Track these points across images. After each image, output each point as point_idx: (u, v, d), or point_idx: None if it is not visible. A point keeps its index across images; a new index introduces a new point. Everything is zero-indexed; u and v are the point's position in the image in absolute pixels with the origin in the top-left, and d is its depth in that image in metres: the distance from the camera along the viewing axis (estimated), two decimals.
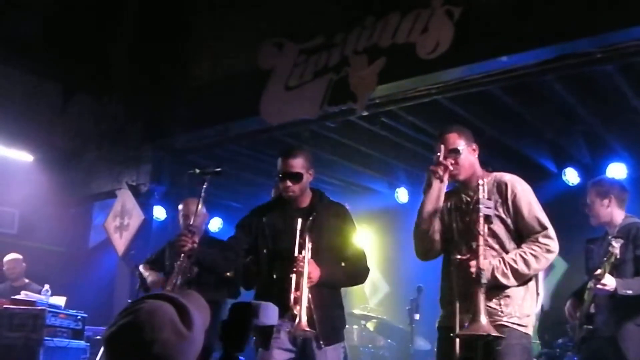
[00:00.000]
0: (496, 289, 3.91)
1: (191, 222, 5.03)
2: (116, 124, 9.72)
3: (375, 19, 6.89)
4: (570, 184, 8.81)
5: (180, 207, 6.48)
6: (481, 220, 3.88)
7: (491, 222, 3.94)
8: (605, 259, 5.06)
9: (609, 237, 5.40)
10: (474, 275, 3.79)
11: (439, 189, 4.09)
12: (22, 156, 9.83)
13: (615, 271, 5.11)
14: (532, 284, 4.06)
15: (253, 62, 7.84)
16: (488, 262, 3.87)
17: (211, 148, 8.98)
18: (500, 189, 4.11)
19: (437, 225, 4.20)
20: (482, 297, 3.75)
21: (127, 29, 9.98)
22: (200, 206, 5.03)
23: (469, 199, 4.15)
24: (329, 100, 7.08)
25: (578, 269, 7.17)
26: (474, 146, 4.27)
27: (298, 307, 4.34)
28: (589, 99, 7.36)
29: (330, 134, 8.39)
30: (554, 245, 3.99)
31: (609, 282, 5.05)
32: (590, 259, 5.70)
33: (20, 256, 8.84)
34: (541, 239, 3.97)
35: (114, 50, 9.97)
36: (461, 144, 4.18)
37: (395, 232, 9.45)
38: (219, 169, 4.86)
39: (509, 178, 4.19)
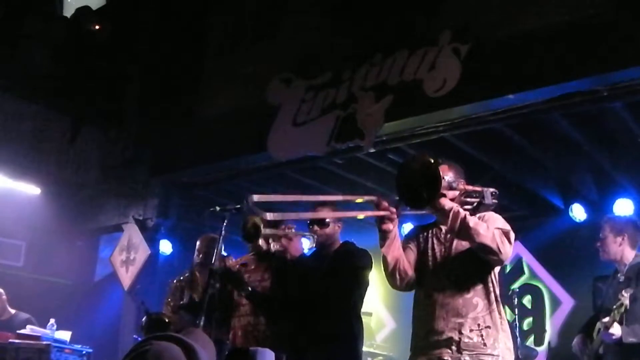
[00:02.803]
0: (474, 319, 3.86)
1: (213, 260, 5.01)
2: (124, 158, 9.76)
3: (383, 56, 6.94)
4: (577, 220, 8.77)
5: (198, 243, 6.36)
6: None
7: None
8: (614, 307, 5.06)
9: (619, 275, 5.39)
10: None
11: (394, 236, 4.02)
12: (29, 189, 9.82)
13: (626, 313, 5.11)
14: (503, 313, 4.01)
15: (261, 97, 7.88)
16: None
17: (218, 183, 9.00)
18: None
19: (410, 256, 4.15)
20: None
21: (137, 64, 10.05)
22: (220, 244, 4.98)
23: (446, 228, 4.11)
24: (336, 137, 7.10)
25: (585, 306, 7.15)
26: (462, 183, 4.22)
27: None
28: (595, 136, 7.36)
29: (337, 169, 8.39)
30: (507, 247, 3.82)
31: (616, 331, 5.08)
32: (599, 298, 5.68)
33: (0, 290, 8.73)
34: (501, 233, 3.85)
35: (123, 85, 10.03)
36: (450, 177, 4.16)
37: None
38: (239, 206, 4.86)
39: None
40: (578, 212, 8.76)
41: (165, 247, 9.86)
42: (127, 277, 9.17)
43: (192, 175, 9.07)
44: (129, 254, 9.20)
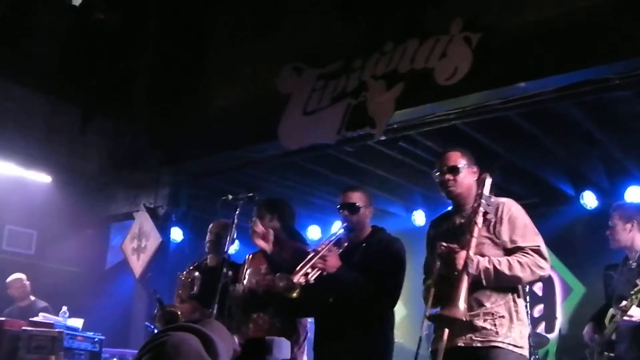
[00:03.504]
0: (489, 310, 3.89)
1: (226, 249, 5.02)
2: (135, 147, 9.78)
3: (394, 45, 6.92)
4: (588, 208, 8.79)
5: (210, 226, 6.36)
6: (480, 215, 3.88)
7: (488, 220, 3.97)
8: (632, 292, 5.04)
9: (630, 262, 5.39)
10: (459, 266, 3.76)
11: None
12: (40, 177, 9.86)
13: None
14: (521, 302, 4.03)
15: (272, 86, 7.89)
16: (476, 256, 3.85)
17: (228, 172, 9.01)
18: (497, 209, 4.09)
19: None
20: (465, 285, 3.69)
21: (147, 53, 10.06)
22: (231, 232, 4.98)
23: (462, 220, 4.15)
24: (347, 126, 7.10)
25: (595, 293, 7.14)
26: (475, 169, 4.29)
27: None
28: (606, 124, 7.36)
29: (347, 158, 8.40)
30: (545, 263, 3.93)
31: (636, 313, 5.05)
32: (609, 285, 5.67)
33: (19, 276, 8.82)
34: (532, 253, 3.92)
35: (133, 75, 10.04)
36: (461, 163, 4.23)
37: (412, 255, 9.38)
38: (251, 195, 4.87)
39: (506, 199, 4.20)
40: (589, 200, 8.77)
41: (176, 234, 9.88)
42: (138, 264, 9.20)
43: (202, 164, 9.09)
44: (140, 241, 9.23)
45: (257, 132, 8.07)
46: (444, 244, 3.94)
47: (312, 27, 7.85)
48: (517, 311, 3.97)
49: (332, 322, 4.91)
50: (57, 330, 7.32)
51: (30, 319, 7.58)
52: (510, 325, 3.90)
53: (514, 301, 3.98)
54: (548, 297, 9.26)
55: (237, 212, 4.89)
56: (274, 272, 4.98)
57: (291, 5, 8.25)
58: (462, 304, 3.63)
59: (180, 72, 9.38)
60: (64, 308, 7.90)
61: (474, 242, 3.83)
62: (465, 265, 3.74)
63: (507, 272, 3.82)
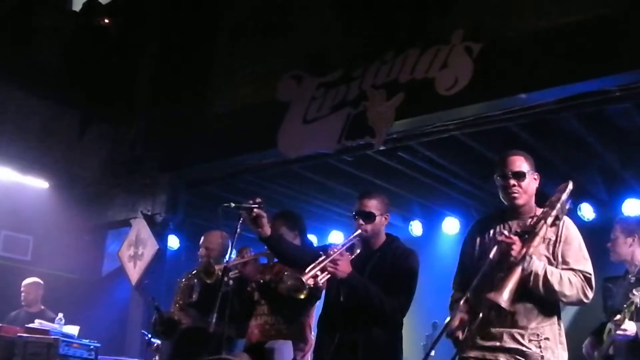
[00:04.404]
0: (534, 330, 3.77)
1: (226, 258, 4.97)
2: (133, 153, 9.76)
3: (394, 54, 6.93)
4: (586, 220, 8.77)
5: (202, 239, 6.33)
6: (552, 218, 3.77)
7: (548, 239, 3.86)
8: (625, 305, 5.04)
9: (630, 276, 5.38)
10: (516, 256, 3.63)
11: None
12: (37, 183, 9.84)
13: (637, 311, 5.09)
14: (562, 326, 3.92)
15: (271, 94, 7.88)
16: (534, 256, 3.70)
17: (227, 179, 9.00)
18: (557, 227, 3.91)
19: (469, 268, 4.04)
20: (516, 278, 3.56)
21: (147, 59, 10.05)
22: (233, 241, 4.90)
23: (516, 230, 3.93)
24: (346, 135, 7.10)
25: (593, 307, 7.10)
26: (536, 175, 4.14)
27: None
28: (606, 136, 7.36)
29: (346, 167, 8.39)
30: (590, 293, 3.81)
31: (630, 327, 5.04)
32: (609, 298, 5.65)
33: (38, 281, 8.82)
34: (583, 278, 3.79)
35: (133, 80, 10.03)
36: (526, 167, 4.06)
37: None
38: (255, 204, 4.76)
39: (566, 218, 4.00)
40: (587, 212, 8.75)
41: (173, 242, 9.87)
42: (134, 272, 9.17)
43: (200, 171, 9.08)
44: (137, 249, 9.20)
45: (256, 140, 8.06)
46: (506, 232, 3.82)
47: (313, 35, 7.85)
48: (560, 334, 3.87)
49: (339, 318, 4.77)
50: (52, 337, 7.31)
51: (26, 325, 7.57)
52: (555, 349, 3.81)
53: (558, 325, 3.88)
54: None
55: (240, 222, 4.79)
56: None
57: (292, 13, 8.25)
58: (507, 294, 3.50)
59: (180, 79, 9.37)
60: (60, 315, 7.87)
61: (537, 240, 3.71)
62: (523, 258, 3.63)
63: (556, 285, 3.70)
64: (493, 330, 3.82)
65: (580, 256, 3.89)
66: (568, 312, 8.96)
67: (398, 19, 7.09)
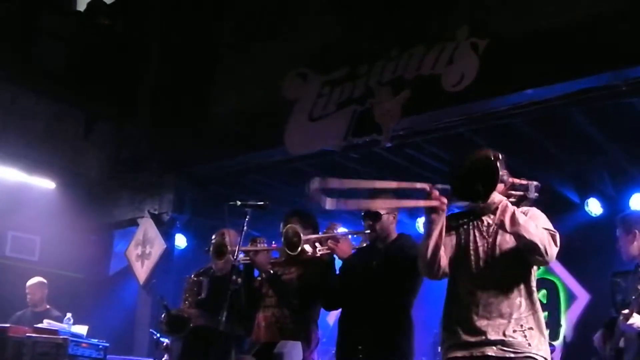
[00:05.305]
0: (517, 320, 3.76)
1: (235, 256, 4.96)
2: (139, 153, 9.78)
3: (400, 51, 6.93)
4: (593, 215, 8.75)
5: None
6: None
7: None
8: (634, 297, 5.03)
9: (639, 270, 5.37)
10: None
11: (441, 226, 3.84)
12: (44, 183, 9.85)
13: None
14: (542, 316, 3.95)
15: (277, 92, 7.88)
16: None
17: (234, 178, 9.00)
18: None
19: (447, 245, 3.97)
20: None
21: (151, 58, 10.06)
22: (240, 239, 4.90)
23: (489, 222, 3.94)
24: (353, 132, 7.10)
25: (601, 301, 7.12)
26: (508, 174, 4.08)
27: None
28: (612, 131, 7.34)
29: (352, 164, 8.38)
30: (553, 249, 3.71)
31: (637, 321, 5.03)
32: (618, 292, 5.64)
33: (42, 280, 8.80)
34: (547, 234, 3.72)
35: (138, 79, 10.04)
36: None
37: None
38: (261, 203, 4.78)
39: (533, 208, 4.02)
40: (594, 207, 8.73)
41: (180, 241, 9.87)
42: (142, 271, 9.19)
43: (207, 169, 9.09)
44: (145, 248, 9.22)
45: (262, 138, 8.07)
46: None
47: (318, 33, 7.86)
48: (542, 325, 3.85)
49: (356, 310, 4.91)
50: (61, 337, 7.31)
51: (35, 325, 7.57)
52: (540, 338, 3.82)
53: (540, 314, 3.86)
54: (552, 305, 9.23)
55: (246, 220, 4.80)
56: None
57: (297, 11, 8.25)
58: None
59: (185, 77, 9.38)
60: (69, 315, 7.87)
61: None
62: None
63: (521, 219, 3.64)
64: (477, 324, 3.80)
65: (545, 222, 3.85)
66: (577, 307, 9.01)
67: (403, 16, 7.09)
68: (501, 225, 3.73)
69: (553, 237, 3.76)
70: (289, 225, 4.91)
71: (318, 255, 4.96)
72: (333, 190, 3.58)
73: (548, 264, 3.88)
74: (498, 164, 3.58)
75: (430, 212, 3.78)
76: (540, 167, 8.38)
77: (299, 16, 8.27)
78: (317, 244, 4.96)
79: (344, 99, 7.30)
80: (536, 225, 3.71)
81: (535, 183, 4.00)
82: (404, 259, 4.80)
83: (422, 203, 3.78)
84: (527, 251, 3.71)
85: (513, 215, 3.65)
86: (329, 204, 3.56)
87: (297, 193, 9.68)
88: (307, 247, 4.90)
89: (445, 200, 3.73)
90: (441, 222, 3.81)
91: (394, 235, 5.06)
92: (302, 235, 4.77)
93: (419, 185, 3.76)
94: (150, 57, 10.08)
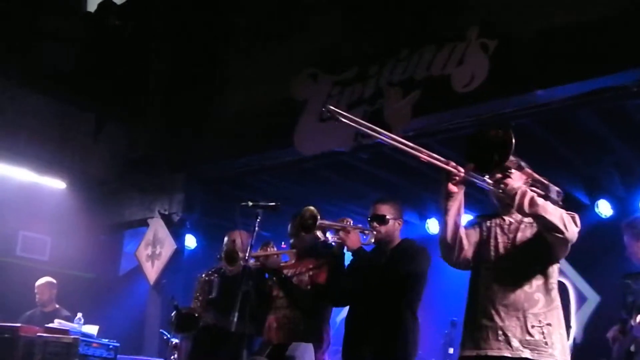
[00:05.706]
0: (536, 316, 3.71)
1: (246, 257, 4.98)
2: (149, 153, 9.79)
3: (410, 51, 6.93)
4: (603, 216, 8.72)
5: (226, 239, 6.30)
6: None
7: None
8: None
9: None
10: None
11: (460, 201, 3.81)
12: (54, 183, 9.88)
13: None
14: (562, 313, 3.93)
15: (286, 92, 7.90)
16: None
17: (243, 178, 9.02)
18: None
19: (472, 237, 3.99)
20: None
21: (161, 59, 10.07)
22: (252, 240, 4.92)
23: (511, 220, 3.96)
24: (362, 132, 7.08)
25: (611, 302, 7.10)
26: (529, 168, 4.07)
27: None
28: (623, 132, 7.32)
29: (362, 165, 8.38)
30: (574, 227, 3.67)
31: None
32: (629, 294, 5.63)
33: (50, 280, 8.83)
34: (566, 213, 3.71)
35: (148, 80, 10.06)
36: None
37: None
38: (273, 204, 4.89)
39: None
40: (604, 208, 8.70)
41: (190, 241, 9.88)
42: (152, 271, 9.21)
43: (217, 170, 9.11)
44: (155, 248, 9.24)
45: (271, 138, 8.08)
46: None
47: (328, 33, 7.86)
48: (561, 320, 3.81)
49: (362, 309, 5.03)
50: (72, 337, 7.34)
51: (46, 325, 7.60)
52: (557, 335, 3.77)
53: (558, 309, 3.82)
54: (562, 306, 9.16)
55: (258, 220, 4.82)
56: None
57: (306, 11, 8.26)
58: None
59: (195, 78, 9.40)
60: (79, 314, 7.89)
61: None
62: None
63: (540, 201, 3.64)
64: (495, 319, 3.74)
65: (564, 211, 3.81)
66: (587, 309, 8.98)
67: (413, 16, 7.09)
68: (519, 208, 3.70)
69: (573, 217, 3.74)
70: (309, 207, 5.04)
71: (330, 242, 5.21)
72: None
73: (569, 243, 3.74)
74: (512, 134, 3.58)
75: (447, 181, 3.74)
76: (550, 168, 8.32)
77: (309, 17, 8.27)
78: (327, 234, 5.21)
79: (354, 99, 7.31)
80: (555, 207, 3.69)
81: (557, 188, 3.96)
82: (407, 261, 4.97)
83: (439, 163, 3.75)
84: (547, 230, 3.67)
85: (532, 198, 3.64)
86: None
87: (307, 193, 9.72)
88: (319, 234, 5.13)
89: (462, 170, 3.69)
90: (459, 197, 3.79)
91: (398, 240, 5.22)
92: (318, 219, 4.93)
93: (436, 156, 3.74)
94: (160, 58, 10.10)
